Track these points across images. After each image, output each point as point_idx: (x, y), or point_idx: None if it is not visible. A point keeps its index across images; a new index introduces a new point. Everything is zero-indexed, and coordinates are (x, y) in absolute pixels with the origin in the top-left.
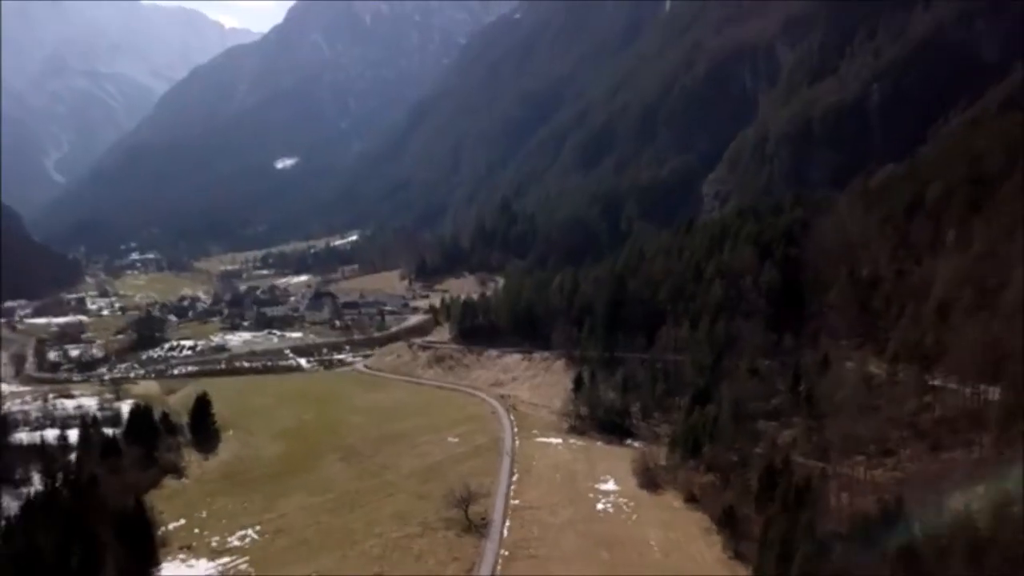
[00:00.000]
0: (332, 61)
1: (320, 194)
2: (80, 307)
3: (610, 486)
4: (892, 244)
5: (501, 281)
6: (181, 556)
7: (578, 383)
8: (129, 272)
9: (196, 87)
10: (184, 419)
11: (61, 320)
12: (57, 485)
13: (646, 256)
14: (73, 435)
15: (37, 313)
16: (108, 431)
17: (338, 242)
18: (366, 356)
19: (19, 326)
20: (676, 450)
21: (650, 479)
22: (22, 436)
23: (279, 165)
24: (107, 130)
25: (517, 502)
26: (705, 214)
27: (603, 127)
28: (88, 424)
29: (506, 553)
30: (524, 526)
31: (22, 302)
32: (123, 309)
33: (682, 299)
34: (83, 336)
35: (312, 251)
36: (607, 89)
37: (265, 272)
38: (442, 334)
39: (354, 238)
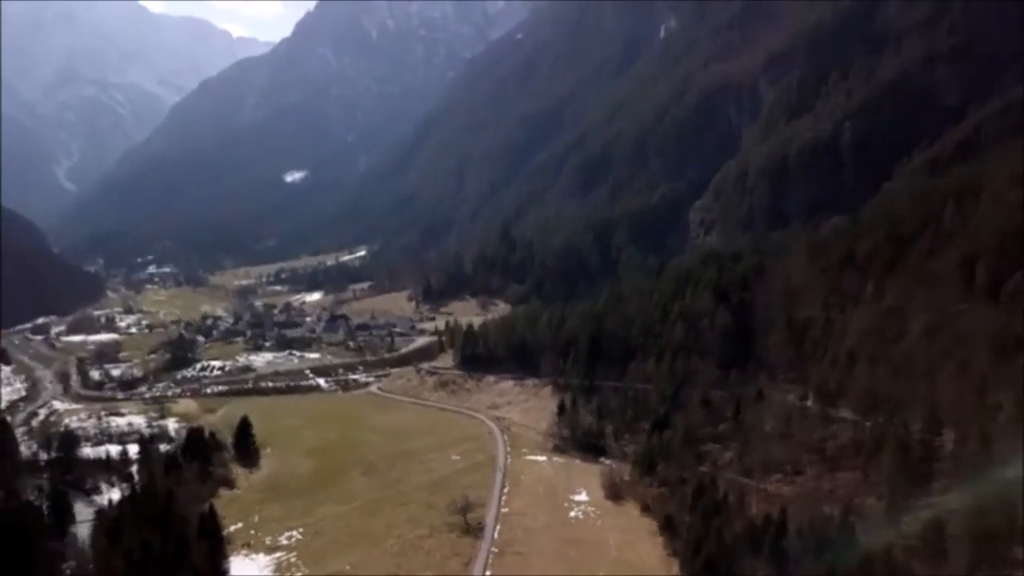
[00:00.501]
0: (339, 75)
1: (328, 208)
2: (110, 325)
3: (582, 497)
4: (825, 293)
5: (501, 304)
6: (244, 552)
7: (561, 408)
8: (148, 286)
9: (206, 99)
10: (228, 438)
11: (96, 339)
12: (137, 494)
13: (623, 297)
14: (129, 449)
15: (71, 330)
16: (162, 447)
17: (347, 257)
18: (378, 376)
19: (57, 344)
20: (637, 468)
21: (615, 492)
22: (87, 451)
23: (288, 178)
24: (116, 138)
25: (506, 510)
26: (691, 240)
27: (600, 152)
28: (146, 441)
29: (496, 550)
30: (511, 529)
31: (53, 318)
32: (150, 327)
33: (651, 336)
34: (119, 356)
35: (323, 268)
36: (604, 114)
37: (279, 288)
38: (446, 359)
39: (362, 253)
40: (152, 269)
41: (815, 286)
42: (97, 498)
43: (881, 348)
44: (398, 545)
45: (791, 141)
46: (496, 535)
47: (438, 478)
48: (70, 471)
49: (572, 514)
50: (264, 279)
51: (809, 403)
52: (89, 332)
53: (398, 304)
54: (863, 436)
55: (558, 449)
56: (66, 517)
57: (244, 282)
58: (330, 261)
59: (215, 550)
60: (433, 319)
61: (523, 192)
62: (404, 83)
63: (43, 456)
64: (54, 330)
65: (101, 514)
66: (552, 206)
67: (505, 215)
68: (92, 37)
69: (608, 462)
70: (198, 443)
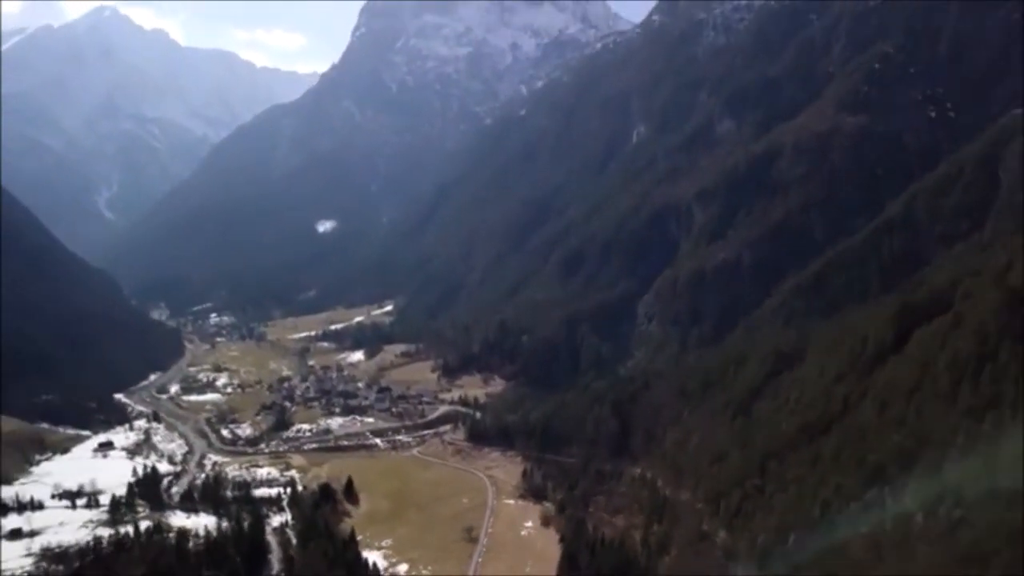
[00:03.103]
0: (363, 127)
1: (357, 261)
2: (212, 384)
3: (529, 524)
4: (678, 411)
5: (498, 379)
6: (365, 550)
7: (524, 472)
8: (218, 339)
9: (241, 144)
10: (339, 486)
11: (207, 398)
12: (305, 518)
13: (566, 403)
14: (275, 491)
15: (184, 391)
16: (299, 490)
17: (376, 312)
18: (415, 436)
19: (182, 404)
20: (557, 509)
21: (546, 521)
22: (258, 491)
23: (320, 228)
24: (152, 169)
25: (491, 530)
26: (637, 327)
27: (578, 248)
28: (292, 486)
29: (484, 549)
30: (493, 540)
31: (159, 374)
32: (241, 387)
33: (578, 429)
34: (234, 416)
35: (360, 327)
36: (584, 214)
37: (326, 345)
38: (460, 432)
39: (389, 308)
40: (213, 317)
41: (675, 403)
42: (269, 522)
43: (681, 449)
44: (436, 546)
45: (708, 259)
46: (485, 542)
47: (456, 512)
48: (250, 504)
49: (523, 533)
50: (313, 334)
51: (647, 476)
52: (197, 392)
53: (424, 374)
54: (661, 497)
55: (522, 496)
56: (263, 531)
57: (296, 336)
58: (362, 316)
59: (355, 549)
60: (450, 391)
61: (520, 270)
62: (421, 134)
63: (229, 494)
64: (172, 389)
65: (279, 530)
66: (540, 288)
67: (507, 285)
68: (129, 71)
69: (546, 504)
70: (326, 489)
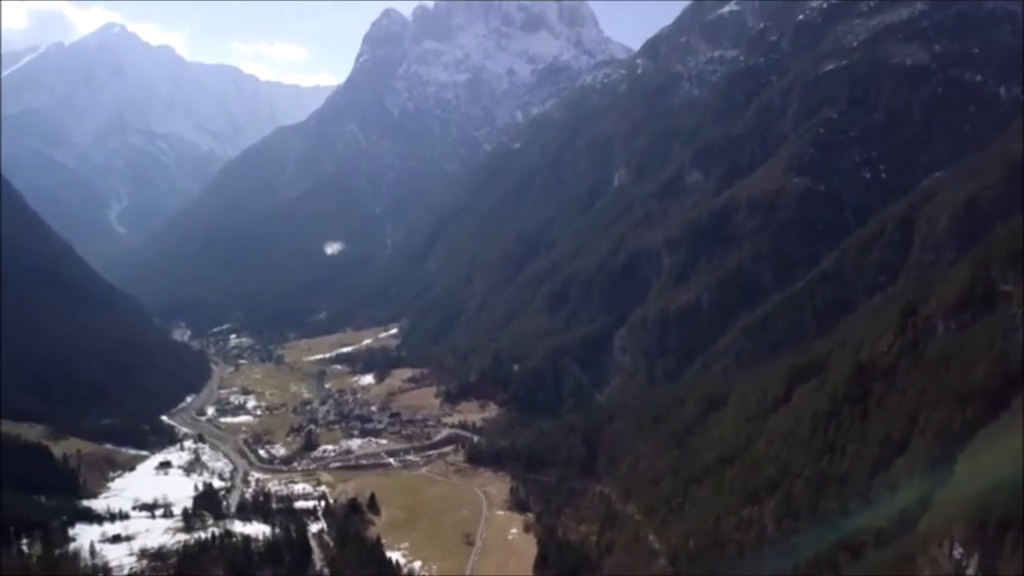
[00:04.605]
0: (367, 151)
1: (364, 283)
2: (243, 407)
3: (514, 530)
4: (632, 441)
5: (493, 405)
6: (388, 551)
7: (512, 489)
8: (240, 361)
9: (250, 165)
10: (364, 500)
11: (241, 420)
12: (338, 526)
13: (546, 431)
14: (310, 504)
15: (219, 413)
16: (330, 503)
17: (383, 335)
18: (422, 456)
19: (220, 426)
20: (536, 518)
21: (527, 528)
22: (297, 504)
23: (328, 251)
24: (161, 184)
25: (484, 535)
26: (614, 359)
27: (563, 285)
28: (325, 499)
29: (479, 550)
30: (486, 543)
31: (194, 396)
32: (269, 409)
33: (556, 455)
34: (267, 438)
35: (369, 351)
36: (569, 252)
37: (339, 367)
38: (460, 454)
39: (395, 331)
40: (233, 339)
41: (624, 436)
42: (308, 529)
43: (632, 472)
44: (444, 548)
45: (673, 300)
46: (480, 544)
47: (457, 521)
48: (292, 514)
49: (509, 537)
50: (326, 357)
51: (605, 493)
52: (233, 414)
53: (428, 400)
54: (613, 510)
55: (509, 508)
56: (307, 536)
57: (311, 358)
58: (370, 339)
59: (381, 550)
60: (451, 415)
61: (513, 301)
62: (422, 159)
63: (274, 506)
64: (208, 411)
65: (317, 536)
66: (530, 319)
67: (501, 314)
68: (137, 88)
69: (528, 515)
70: (354, 502)
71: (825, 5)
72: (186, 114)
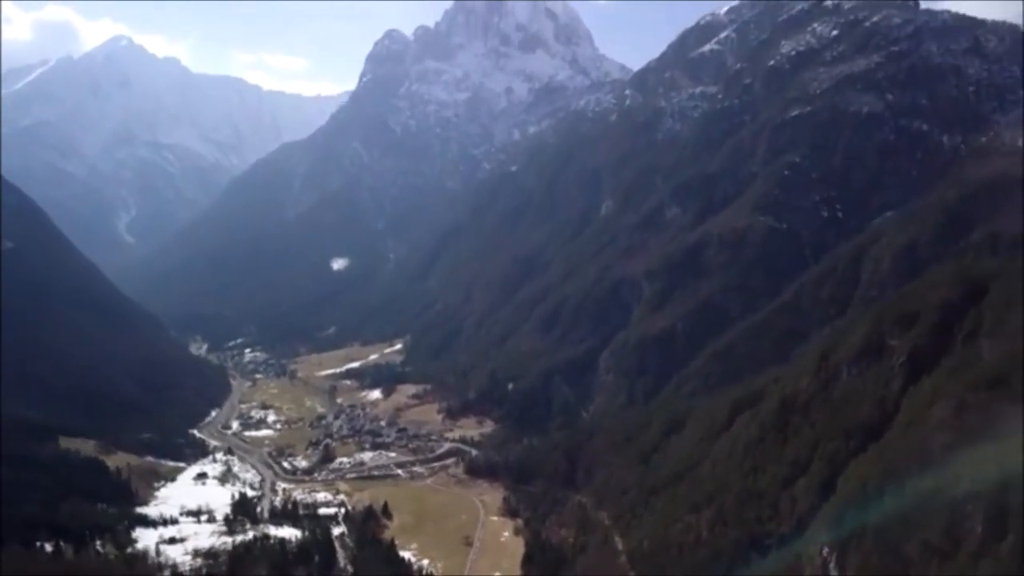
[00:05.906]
0: (370, 167)
1: (369, 299)
2: (264, 421)
3: (506, 534)
4: (607, 457)
5: (489, 422)
6: (400, 551)
7: (505, 498)
8: (257, 375)
9: (257, 179)
10: (378, 507)
11: (263, 434)
12: (357, 530)
13: (535, 447)
14: (331, 510)
15: (243, 427)
16: (350, 509)
17: (388, 350)
18: (427, 468)
19: (245, 439)
20: (524, 524)
21: (517, 532)
22: (321, 510)
23: (335, 266)
24: (168, 194)
25: (481, 538)
26: (599, 378)
27: (554, 308)
28: (344, 506)
29: (477, 550)
30: (482, 544)
31: (218, 411)
32: (288, 423)
33: (543, 468)
34: (289, 451)
35: (375, 367)
36: (561, 275)
37: (348, 382)
38: (460, 467)
39: (399, 346)
40: (248, 353)
41: (601, 452)
42: (331, 533)
43: (605, 484)
44: (447, 548)
45: (651, 326)
46: (477, 545)
47: (457, 525)
48: (317, 520)
49: (502, 539)
50: (336, 372)
51: (583, 502)
52: (256, 428)
53: (431, 415)
54: (588, 516)
55: (502, 515)
56: (331, 539)
57: (322, 373)
58: (376, 354)
59: (396, 551)
60: (452, 430)
61: (509, 320)
62: (423, 175)
63: (301, 512)
64: (233, 425)
65: (339, 538)
66: (525, 339)
67: (498, 333)
68: (144, 99)
69: (518, 521)
70: (370, 509)
71: (793, 53)
72: (192, 125)
